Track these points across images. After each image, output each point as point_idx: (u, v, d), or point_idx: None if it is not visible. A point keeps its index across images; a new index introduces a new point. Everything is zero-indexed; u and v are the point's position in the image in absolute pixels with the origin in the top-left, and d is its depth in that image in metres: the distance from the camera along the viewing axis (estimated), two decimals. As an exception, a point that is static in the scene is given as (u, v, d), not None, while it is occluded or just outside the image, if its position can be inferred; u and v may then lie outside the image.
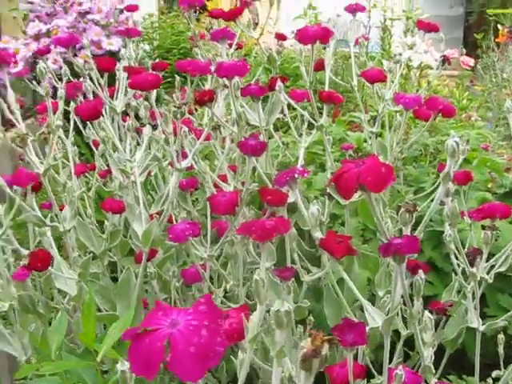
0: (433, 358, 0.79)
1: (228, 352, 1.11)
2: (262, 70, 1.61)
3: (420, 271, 0.77)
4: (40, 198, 1.49)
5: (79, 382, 0.88)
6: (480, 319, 1.04)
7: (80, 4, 2.91)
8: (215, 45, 1.48)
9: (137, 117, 1.27)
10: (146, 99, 1.19)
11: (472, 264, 0.99)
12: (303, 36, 1.10)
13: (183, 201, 1.25)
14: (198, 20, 1.58)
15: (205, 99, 1.10)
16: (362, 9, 1.31)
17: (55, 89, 1.28)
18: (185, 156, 1.11)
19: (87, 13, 2.90)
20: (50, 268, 1.07)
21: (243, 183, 1.09)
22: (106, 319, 1.14)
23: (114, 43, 2.84)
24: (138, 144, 1.25)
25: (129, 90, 1.23)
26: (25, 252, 1.18)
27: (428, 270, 1.33)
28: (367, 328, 0.74)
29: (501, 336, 1.07)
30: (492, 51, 4.19)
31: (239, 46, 1.45)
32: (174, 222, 1.23)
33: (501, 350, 1.07)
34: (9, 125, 1.16)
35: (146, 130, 1.21)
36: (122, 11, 2.91)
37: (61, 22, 2.86)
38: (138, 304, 1.11)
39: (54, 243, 1.14)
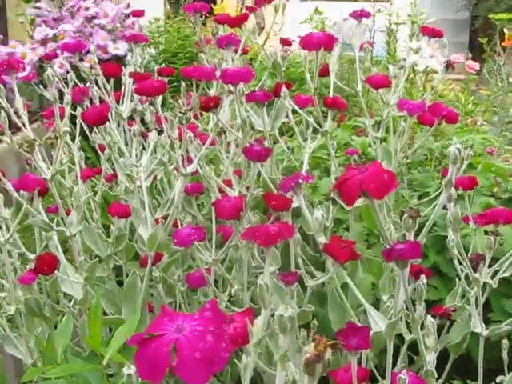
0: (435, 362, 0.79)
1: (233, 356, 1.12)
2: (267, 75, 1.61)
3: (422, 276, 0.77)
4: (46, 201, 1.50)
5: (85, 386, 0.89)
6: (484, 324, 1.04)
7: (86, 9, 2.93)
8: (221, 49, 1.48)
9: (142, 121, 1.28)
10: (152, 104, 1.19)
11: (475, 269, 0.99)
12: (307, 43, 1.11)
13: (188, 205, 1.25)
14: (204, 24, 1.59)
15: (210, 105, 1.11)
16: (367, 15, 1.32)
17: (61, 92, 1.29)
18: (190, 161, 1.12)
19: (94, 17, 2.92)
20: (56, 272, 1.08)
21: (248, 188, 1.10)
22: (112, 323, 1.15)
23: (120, 48, 2.86)
24: (144, 148, 1.26)
25: (135, 95, 1.24)
26: (31, 256, 1.20)
27: (432, 274, 1.33)
28: (371, 332, 0.74)
29: (505, 341, 1.07)
30: (498, 55, 4.18)
31: (245, 51, 1.46)
32: (180, 227, 1.23)
33: (505, 355, 1.07)
34: (15, 128, 1.17)
35: (152, 135, 1.22)
36: (128, 16, 2.93)
37: (67, 26, 2.87)
38: (143, 308, 1.12)
39: (60, 247, 1.15)
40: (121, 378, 0.63)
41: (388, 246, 0.68)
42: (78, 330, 1.17)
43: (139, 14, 1.91)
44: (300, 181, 0.90)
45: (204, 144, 1.14)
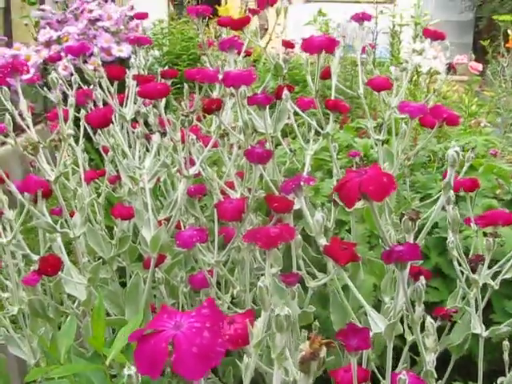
0: (435, 362, 0.80)
1: (235, 357, 1.12)
2: (270, 77, 1.62)
3: (422, 277, 0.77)
4: (50, 203, 1.51)
5: (88, 386, 0.89)
6: (486, 325, 1.04)
7: (90, 11, 2.94)
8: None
9: (146, 124, 1.28)
10: (155, 107, 1.20)
11: (474, 270, 1.00)
12: (309, 46, 1.11)
13: (191, 207, 1.26)
14: (207, 26, 1.60)
15: (212, 108, 1.12)
16: (369, 17, 1.32)
17: (65, 95, 1.30)
18: (193, 163, 1.12)
19: (97, 20, 2.93)
20: (59, 273, 1.09)
21: (250, 190, 1.10)
22: (115, 323, 1.15)
23: (123, 50, 2.87)
24: (147, 150, 1.26)
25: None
26: (35, 257, 1.20)
27: (434, 276, 1.34)
28: (371, 333, 0.75)
29: (506, 342, 1.07)
30: (502, 56, 4.17)
31: (248, 54, 1.47)
32: (182, 228, 1.24)
33: (506, 356, 1.07)
34: (19, 130, 1.18)
35: (156, 137, 1.23)
36: (131, 18, 2.94)
37: (71, 28, 2.89)
38: (146, 309, 1.12)
39: (64, 249, 1.15)
40: (123, 378, 0.64)
41: (387, 248, 0.68)
42: (81, 330, 1.18)
43: (143, 16, 1.92)
44: (301, 183, 0.91)
45: (206, 146, 1.14)
